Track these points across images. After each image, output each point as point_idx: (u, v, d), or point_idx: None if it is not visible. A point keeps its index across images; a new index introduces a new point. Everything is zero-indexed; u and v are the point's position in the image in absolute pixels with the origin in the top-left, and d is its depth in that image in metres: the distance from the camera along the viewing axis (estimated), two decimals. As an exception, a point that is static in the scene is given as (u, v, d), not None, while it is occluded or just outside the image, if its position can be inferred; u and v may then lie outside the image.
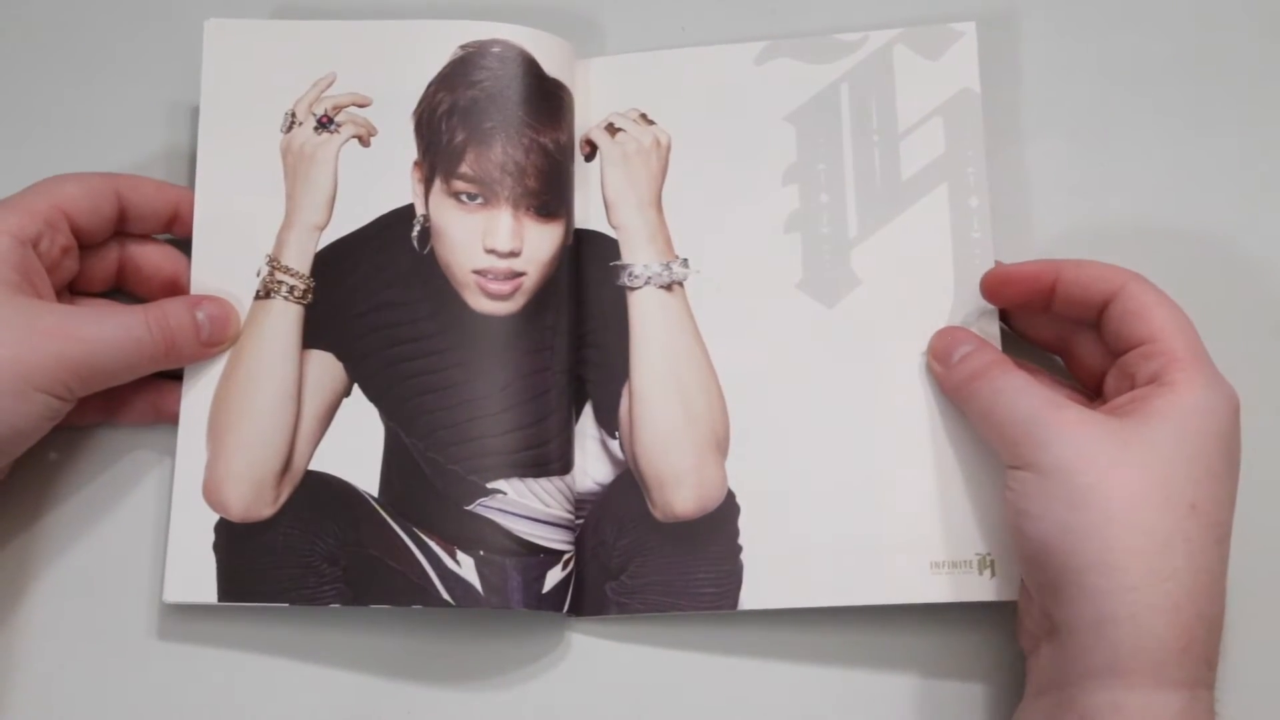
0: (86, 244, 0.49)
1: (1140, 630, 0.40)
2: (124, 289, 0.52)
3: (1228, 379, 0.44)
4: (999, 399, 0.45)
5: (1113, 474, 0.42)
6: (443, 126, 0.50)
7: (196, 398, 0.49)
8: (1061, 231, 0.53)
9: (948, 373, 0.48)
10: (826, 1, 0.56)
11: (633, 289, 0.51)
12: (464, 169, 0.50)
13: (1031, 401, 0.44)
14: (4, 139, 0.55)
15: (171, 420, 0.50)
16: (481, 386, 0.48)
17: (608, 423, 0.51)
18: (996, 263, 0.50)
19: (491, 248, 0.50)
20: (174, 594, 0.48)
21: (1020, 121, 0.54)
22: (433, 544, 0.47)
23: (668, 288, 0.51)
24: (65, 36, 0.56)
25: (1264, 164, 0.54)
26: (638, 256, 0.52)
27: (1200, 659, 0.41)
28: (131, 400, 0.50)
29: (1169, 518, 0.41)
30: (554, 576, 0.48)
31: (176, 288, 0.51)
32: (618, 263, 0.52)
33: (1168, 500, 0.41)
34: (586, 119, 0.53)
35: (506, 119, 0.50)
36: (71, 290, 0.50)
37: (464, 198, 0.50)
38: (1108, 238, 0.53)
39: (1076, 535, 0.42)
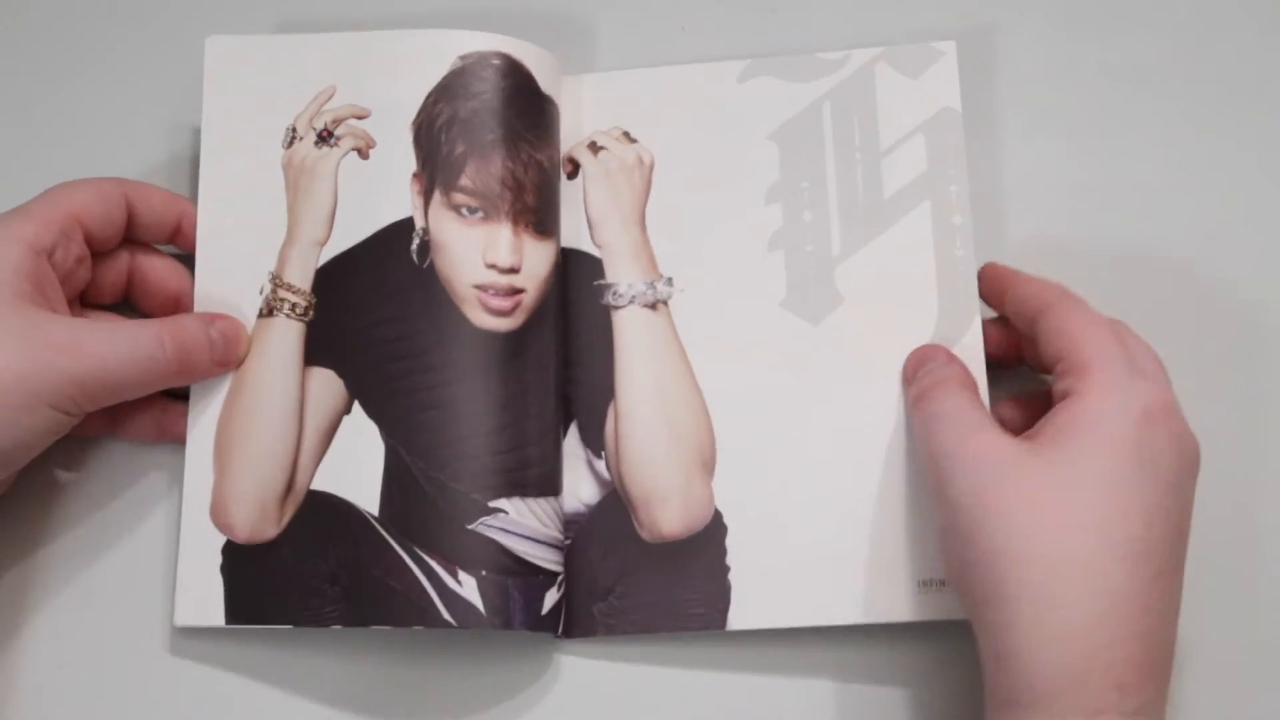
0: (97, 251, 0.49)
1: (1034, 662, 0.40)
2: (129, 301, 0.52)
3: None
4: (927, 427, 0.46)
5: (1004, 504, 0.41)
6: (442, 138, 0.50)
7: (203, 418, 0.49)
8: (1045, 246, 0.53)
9: (912, 387, 0.49)
10: (825, 3, 0.56)
11: (617, 308, 0.51)
12: (464, 181, 0.50)
13: (951, 431, 0.44)
14: (5, 155, 0.55)
15: (175, 439, 0.50)
16: (483, 403, 0.48)
17: (594, 443, 0.51)
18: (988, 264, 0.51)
19: (492, 262, 0.49)
20: (184, 617, 0.48)
21: (1001, 136, 0.54)
22: (434, 563, 0.47)
23: (652, 306, 0.51)
24: (66, 56, 0.56)
25: (1265, 163, 0.54)
26: (622, 275, 0.52)
27: (1107, 685, 0.39)
28: (135, 416, 0.50)
29: (1060, 543, 0.40)
30: (551, 598, 0.48)
31: (180, 304, 0.50)
32: (602, 281, 0.52)
33: (1060, 525, 0.41)
34: (570, 136, 0.53)
35: (506, 133, 0.50)
36: (82, 302, 0.50)
37: (464, 211, 0.49)
38: (1093, 252, 0.53)
39: (972, 571, 0.42)
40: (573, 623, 0.49)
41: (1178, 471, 0.42)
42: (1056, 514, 0.41)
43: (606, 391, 0.51)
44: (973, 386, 0.47)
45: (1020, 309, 0.48)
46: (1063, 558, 0.40)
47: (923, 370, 0.48)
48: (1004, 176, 0.54)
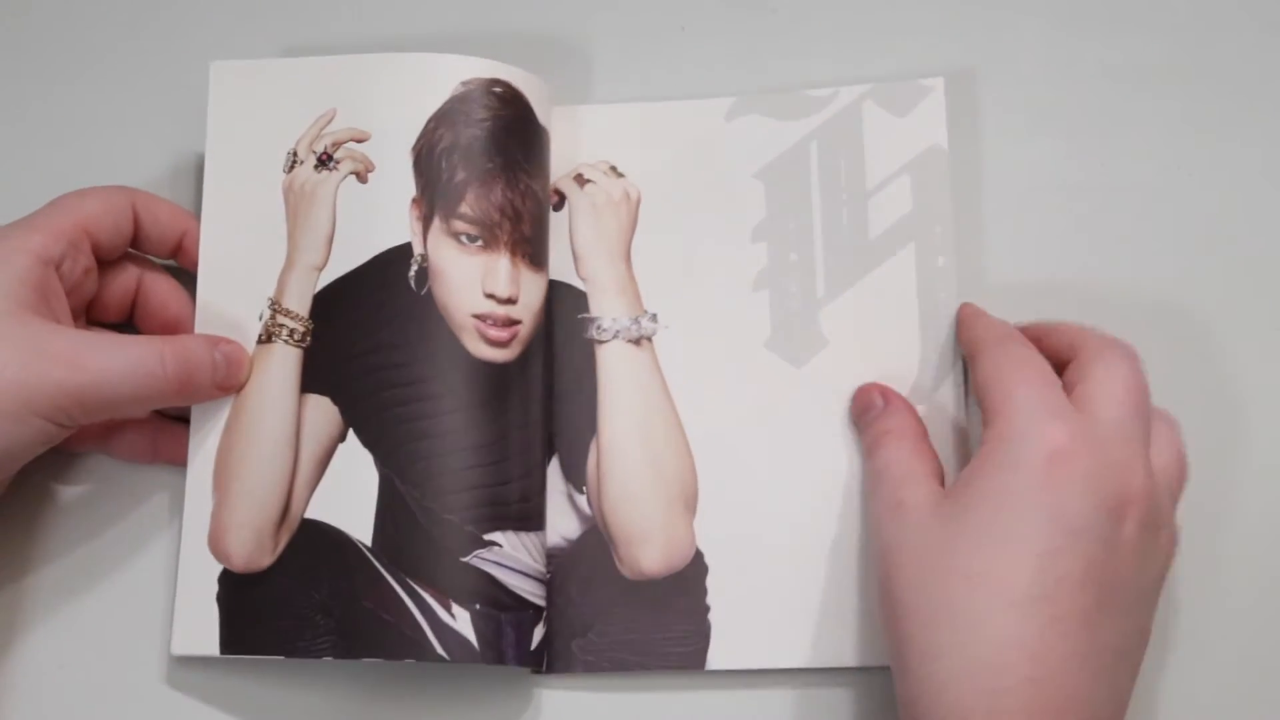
0: (103, 260, 0.49)
1: (923, 712, 0.41)
2: (130, 321, 0.51)
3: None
4: (868, 483, 0.47)
5: (904, 558, 0.43)
6: (443, 164, 0.49)
7: (204, 445, 0.49)
8: (1043, 244, 0.53)
9: (861, 438, 0.49)
10: (825, 5, 0.56)
11: (601, 342, 0.51)
12: (464, 209, 0.49)
13: (883, 488, 0.46)
14: (12, 172, 0.54)
15: (169, 461, 0.50)
16: (480, 435, 0.48)
17: (575, 477, 0.51)
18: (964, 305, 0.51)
19: (491, 292, 0.49)
20: (181, 646, 0.48)
21: (986, 176, 0.54)
22: (427, 596, 0.47)
23: (636, 342, 0.51)
24: (73, 75, 0.56)
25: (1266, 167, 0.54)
26: (606, 310, 0.52)
27: None
28: (129, 435, 0.50)
29: (941, 594, 0.41)
30: (538, 633, 0.48)
31: (179, 327, 0.50)
32: (586, 315, 0.52)
33: (942, 577, 0.41)
34: (558, 168, 0.53)
35: (506, 162, 0.49)
36: (88, 319, 0.50)
37: (464, 239, 0.49)
38: (1090, 254, 0.53)
39: (883, 622, 0.44)
40: (552, 658, 0.49)
41: (1083, 514, 0.41)
42: (939, 566, 0.42)
43: (589, 426, 0.51)
44: (917, 435, 0.47)
45: (966, 353, 0.48)
46: (942, 608, 0.41)
47: (868, 417, 0.49)
48: (993, 189, 0.54)
